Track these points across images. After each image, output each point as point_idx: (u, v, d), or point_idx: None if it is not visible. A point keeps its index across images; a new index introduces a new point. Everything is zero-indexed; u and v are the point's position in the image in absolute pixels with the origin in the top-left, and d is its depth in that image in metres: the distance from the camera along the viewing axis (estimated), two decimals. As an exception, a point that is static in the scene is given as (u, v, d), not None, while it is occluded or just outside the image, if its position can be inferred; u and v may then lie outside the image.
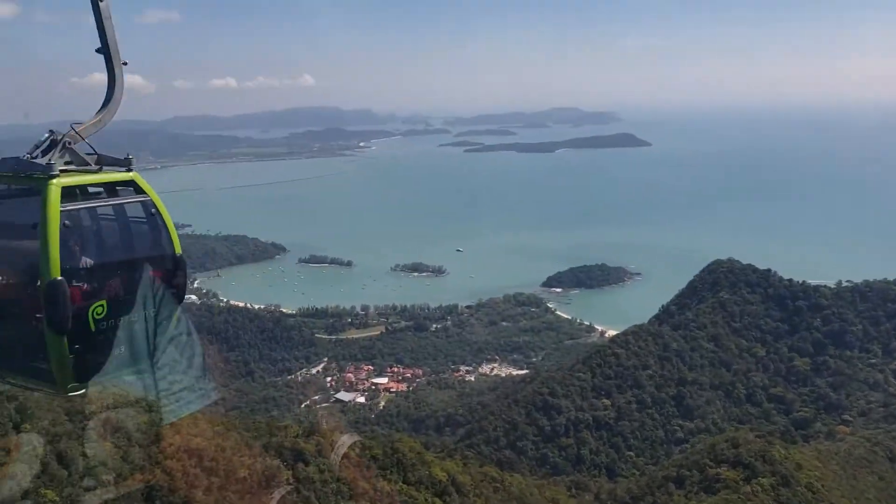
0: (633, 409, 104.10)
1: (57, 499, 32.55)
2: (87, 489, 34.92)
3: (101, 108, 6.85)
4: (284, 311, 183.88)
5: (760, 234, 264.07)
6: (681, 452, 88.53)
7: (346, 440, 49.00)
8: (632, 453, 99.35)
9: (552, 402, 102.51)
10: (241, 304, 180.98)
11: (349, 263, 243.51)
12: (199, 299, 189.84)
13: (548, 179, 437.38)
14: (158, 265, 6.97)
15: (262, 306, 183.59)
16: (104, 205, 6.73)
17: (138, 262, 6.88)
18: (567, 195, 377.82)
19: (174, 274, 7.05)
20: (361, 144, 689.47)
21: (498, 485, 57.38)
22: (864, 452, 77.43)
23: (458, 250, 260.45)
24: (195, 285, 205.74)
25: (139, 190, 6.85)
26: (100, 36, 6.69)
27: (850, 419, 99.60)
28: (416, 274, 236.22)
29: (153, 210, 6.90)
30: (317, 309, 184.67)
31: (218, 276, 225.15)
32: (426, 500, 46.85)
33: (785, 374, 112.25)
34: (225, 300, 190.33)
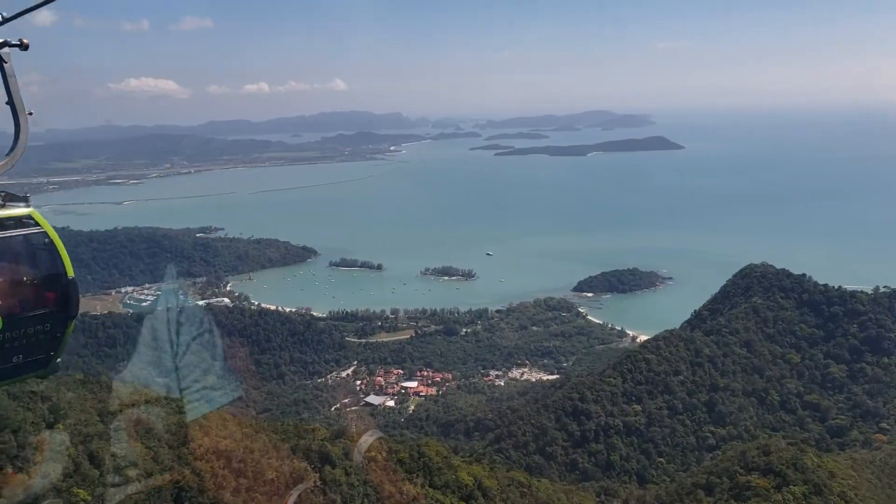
0: (664, 415, 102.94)
1: (89, 498, 33.19)
2: (117, 486, 35.52)
3: (8, 153, 7.66)
4: (315, 314, 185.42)
5: (795, 237, 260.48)
6: (712, 459, 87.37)
7: (367, 439, 49.31)
8: (662, 459, 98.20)
9: (582, 408, 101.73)
10: (273, 307, 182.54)
11: (379, 267, 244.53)
12: (231, 302, 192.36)
13: (579, 183, 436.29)
14: (52, 287, 8.00)
15: (293, 309, 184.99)
16: (2, 236, 7.72)
17: (33, 285, 7.93)
18: (599, 199, 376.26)
19: (66, 294, 8.03)
20: (392, 148, 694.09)
21: (525, 490, 57.16)
22: (901, 461, 75.69)
23: (488, 254, 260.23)
24: (227, 288, 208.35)
25: (37, 223, 7.87)
26: (6, 91, 7.41)
27: (888, 427, 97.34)
28: (445, 278, 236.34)
29: (47, 240, 7.90)
30: (347, 312, 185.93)
31: (250, 279, 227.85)
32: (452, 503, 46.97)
33: (820, 380, 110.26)
34: (256, 303, 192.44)
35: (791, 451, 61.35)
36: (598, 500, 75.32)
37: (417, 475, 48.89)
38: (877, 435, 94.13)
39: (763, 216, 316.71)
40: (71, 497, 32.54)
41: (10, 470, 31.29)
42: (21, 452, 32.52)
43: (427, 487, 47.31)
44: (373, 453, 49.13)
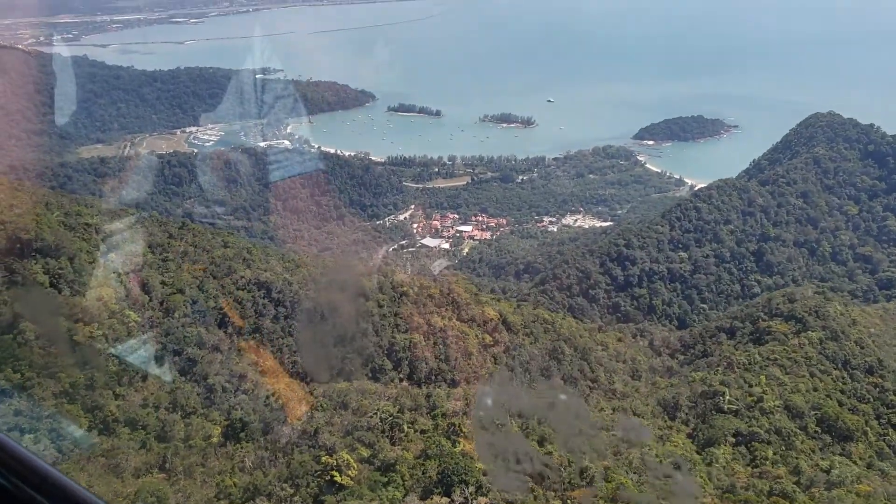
0: (710, 263, 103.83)
1: (139, 319, 37.22)
2: (163, 311, 39.37)
3: None
4: (373, 158, 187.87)
5: (872, 85, 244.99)
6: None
7: (400, 276, 52.33)
8: (705, 305, 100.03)
9: (627, 254, 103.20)
10: (332, 151, 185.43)
11: (437, 113, 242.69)
12: (291, 145, 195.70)
13: (646, 26, 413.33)
14: None
15: (352, 153, 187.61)
16: None
17: None
18: (666, 42, 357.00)
19: None
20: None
21: (548, 326, 60.24)
22: (936, 314, 75.67)
23: (549, 101, 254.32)
24: (287, 130, 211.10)
25: None
26: None
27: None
28: (504, 125, 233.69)
29: None
30: (404, 158, 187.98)
31: (310, 122, 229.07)
32: (476, 335, 50.27)
33: (876, 233, 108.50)
34: (316, 146, 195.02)
35: (816, 299, 62.09)
36: (632, 340, 78.39)
37: (446, 309, 52.14)
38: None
39: (842, 61, 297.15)
40: (123, 318, 36.53)
41: (67, 293, 35.21)
42: (77, 278, 36.32)
43: (454, 321, 50.56)
44: (405, 289, 52.33)
